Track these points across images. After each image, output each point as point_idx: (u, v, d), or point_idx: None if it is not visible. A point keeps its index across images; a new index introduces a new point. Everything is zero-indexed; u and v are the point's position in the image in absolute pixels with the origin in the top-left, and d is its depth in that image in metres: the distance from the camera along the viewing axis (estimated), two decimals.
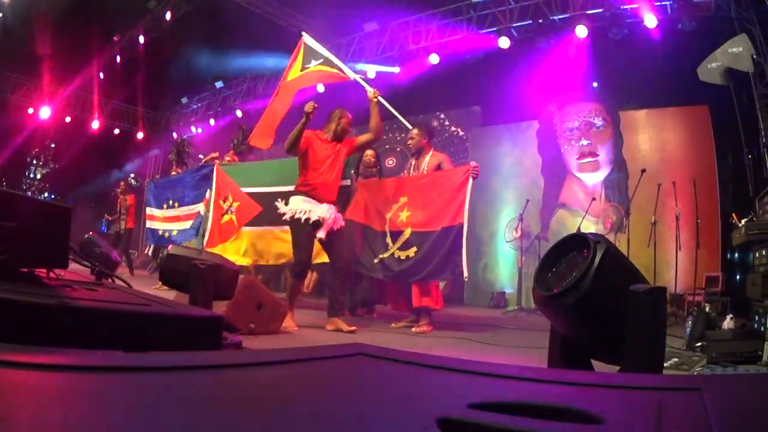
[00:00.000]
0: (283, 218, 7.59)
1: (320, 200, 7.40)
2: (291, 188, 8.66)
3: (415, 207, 8.20)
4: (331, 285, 7.70)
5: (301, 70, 8.99)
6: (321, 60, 8.95)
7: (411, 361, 1.74)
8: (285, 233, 8.77)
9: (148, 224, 13.20)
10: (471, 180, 7.77)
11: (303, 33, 9.25)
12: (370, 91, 8.07)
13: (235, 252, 9.33)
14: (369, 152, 9.75)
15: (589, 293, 2.99)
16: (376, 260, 8.36)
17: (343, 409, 1.20)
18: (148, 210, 13.30)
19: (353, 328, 6.96)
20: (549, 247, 3.60)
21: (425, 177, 8.43)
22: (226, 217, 9.98)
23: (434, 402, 1.29)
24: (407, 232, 8.14)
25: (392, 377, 1.64)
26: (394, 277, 8.36)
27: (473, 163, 7.91)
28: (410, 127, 8.93)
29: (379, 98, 8.01)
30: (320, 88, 15.24)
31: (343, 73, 8.82)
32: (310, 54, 9.01)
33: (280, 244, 9.27)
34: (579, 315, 3.13)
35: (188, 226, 11.53)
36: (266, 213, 9.28)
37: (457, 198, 7.84)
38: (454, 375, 1.60)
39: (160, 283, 10.14)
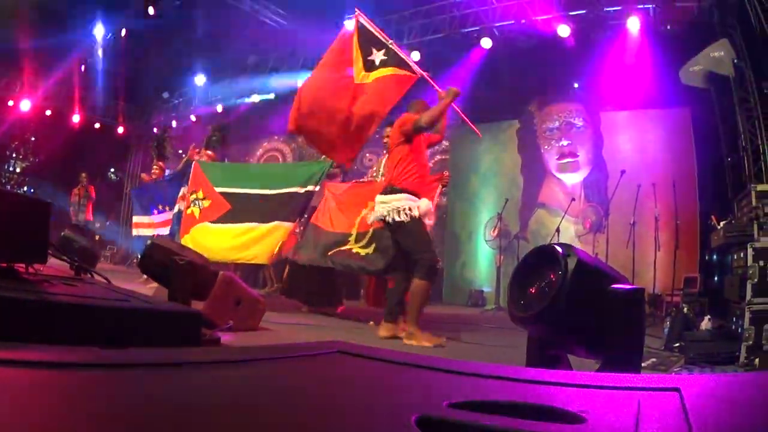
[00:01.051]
0: (395, 219, 6.76)
1: (419, 196, 6.86)
2: (271, 192, 8.75)
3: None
4: (396, 288, 7.24)
5: (366, 69, 8.12)
6: (383, 51, 8.06)
7: (390, 360, 1.75)
8: (240, 229, 9.13)
9: (135, 232, 13.09)
10: (440, 188, 7.87)
11: (357, 10, 8.37)
12: (441, 91, 7.38)
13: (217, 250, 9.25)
14: None
15: (564, 310, 3.00)
16: (331, 252, 8.44)
17: (322, 407, 1.20)
18: (135, 218, 13.23)
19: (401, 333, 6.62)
20: (529, 248, 3.61)
21: None
22: (189, 210, 9.98)
23: (413, 401, 1.29)
24: (370, 232, 8.19)
25: (371, 376, 1.64)
26: (348, 268, 8.35)
27: (446, 173, 7.95)
28: (479, 134, 8.80)
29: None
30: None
31: (412, 70, 8.04)
32: (368, 40, 8.15)
33: (235, 239, 9.33)
34: (556, 329, 3.14)
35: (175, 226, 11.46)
36: (235, 211, 9.41)
37: None
38: (434, 374, 1.61)
39: (145, 277, 10.20)
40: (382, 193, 6.96)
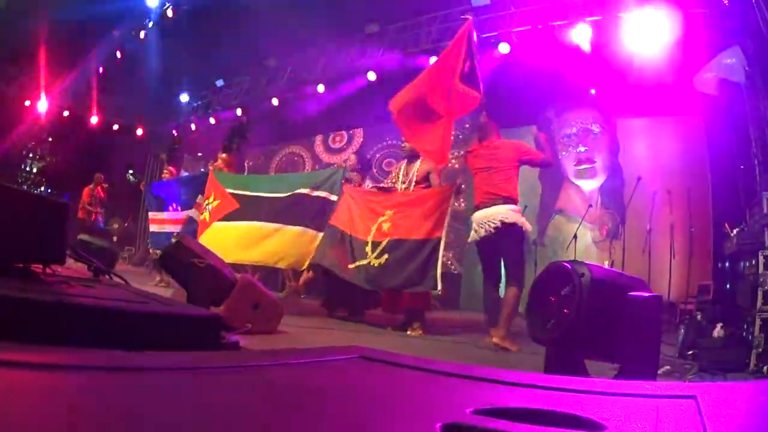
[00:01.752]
0: (516, 224, 7.49)
1: None
2: (280, 195, 8.79)
3: (397, 220, 8.27)
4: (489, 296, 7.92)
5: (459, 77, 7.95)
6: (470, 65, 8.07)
7: (412, 366, 1.74)
8: (254, 228, 9.18)
9: (153, 228, 13.12)
10: (453, 196, 7.93)
11: (468, 16, 8.56)
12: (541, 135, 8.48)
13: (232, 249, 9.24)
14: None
15: (583, 331, 3.03)
16: (351, 266, 8.38)
17: (345, 413, 1.20)
18: (151, 214, 13.25)
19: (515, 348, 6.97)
20: (546, 254, 3.61)
21: (412, 194, 8.53)
22: (202, 216, 10.08)
23: (438, 408, 1.29)
24: (385, 241, 8.19)
25: (394, 381, 1.64)
26: (367, 282, 8.39)
27: (458, 181, 8.01)
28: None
29: None
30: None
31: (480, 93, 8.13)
32: (472, 47, 8.19)
33: (268, 242, 9.28)
34: (575, 347, 3.17)
35: (179, 229, 11.48)
36: (243, 210, 9.50)
37: (437, 210, 7.91)
38: (456, 380, 1.61)
39: (158, 279, 10.19)
40: (499, 204, 7.48)
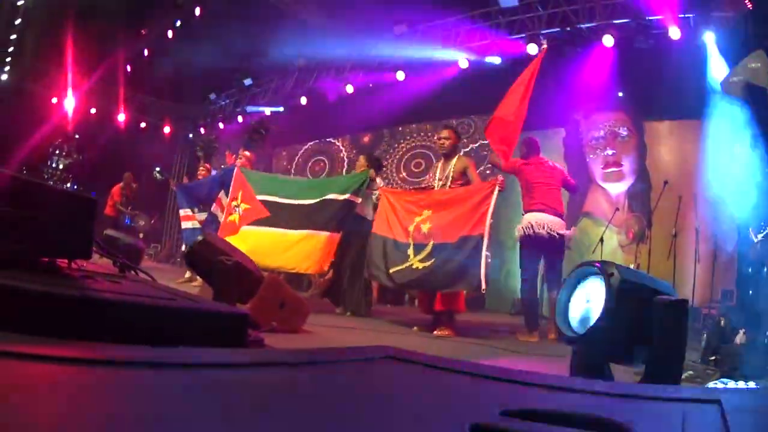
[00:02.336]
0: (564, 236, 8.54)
1: None
2: (309, 202, 8.84)
3: (437, 220, 8.18)
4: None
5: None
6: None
7: (441, 366, 1.74)
8: (285, 236, 9.24)
9: (185, 225, 13.17)
10: (496, 194, 7.78)
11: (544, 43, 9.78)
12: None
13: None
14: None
15: (610, 330, 3.03)
16: (392, 270, 8.35)
17: (374, 413, 1.21)
18: (182, 212, 13.29)
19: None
20: (572, 256, 3.62)
21: (450, 192, 8.46)
22: (230, 218, 10.11)
23: (467, 408, 1.31)
24: (430, 245, 8.09)
25: (423, 382, 1.65)
26: (404, 286, 8.41)
27: (500, 177, 7.94)
28: None
29: None
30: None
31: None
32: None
33: (281, 248, 9.41)
34: (603, 346, 3.17)
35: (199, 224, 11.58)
36: (273, 218, 9.58)
37: (479, 209, 7.82)
38: (483, 381, 1.62)
39: (186, 276, 10.24)
40: (554, 216, 8.63)
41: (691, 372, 5.48)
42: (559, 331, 3.56)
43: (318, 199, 9.36)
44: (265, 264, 8.90)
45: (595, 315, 3.13)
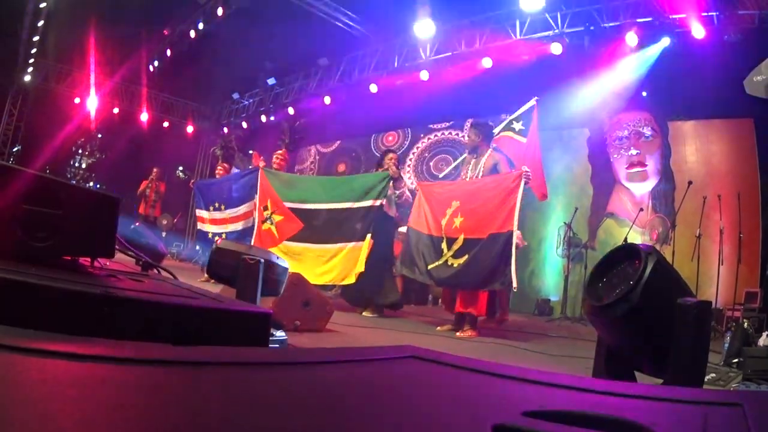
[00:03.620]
0: None
1: None
2: (338, 206, 8.91)
3: (466, 212, 8.17)
4: None
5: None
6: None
7: (463, 366, 1.74)
8: (323, 251, 9.28)
9: (199, 226, 13.25)
10: (523, 185, 7.71)
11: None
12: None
13: None
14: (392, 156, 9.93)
15: (638, 304, 3.03)
16: (431, 266, 8.35)
17: (397, 412, 1.21)
18: (198, 212, 13.37)
19: None
20: (597, 257, 3.62)
21: (477, 182, 8.46)
22: (265, 226, 10.19)
23: (489, 408, 1.31)
24: (461, 239, 8.11)
25: (445, 382, 1.65)
26: (441, 283, 8.41)
27: (525, 168, 7.89)
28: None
29: None
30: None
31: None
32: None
33: (320, 263, 9.48)
34: (627, 326, 3.16)
35: (239, 228, 11.57)
36: (307, 230, 9.70)
37: (506, 204, 7.75)
38: (507, 382, 1.61)
39: (206, 276, 10.28)
40: None
41: (713, 374, 5.45)
42: (587, 305, 3.52)
43: (345, 205, 9.46)
44: (321, 283, 9.11)
45: (624, 289, 3.14)
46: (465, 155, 9.35)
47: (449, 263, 8.14)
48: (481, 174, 8.51)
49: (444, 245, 8.27)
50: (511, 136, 9.84)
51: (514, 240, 7.60)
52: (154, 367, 1.29)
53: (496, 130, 9.70)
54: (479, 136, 8.66)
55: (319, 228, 9.62)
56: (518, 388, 1.56)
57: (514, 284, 7.47)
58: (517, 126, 9.90)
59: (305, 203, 9.92)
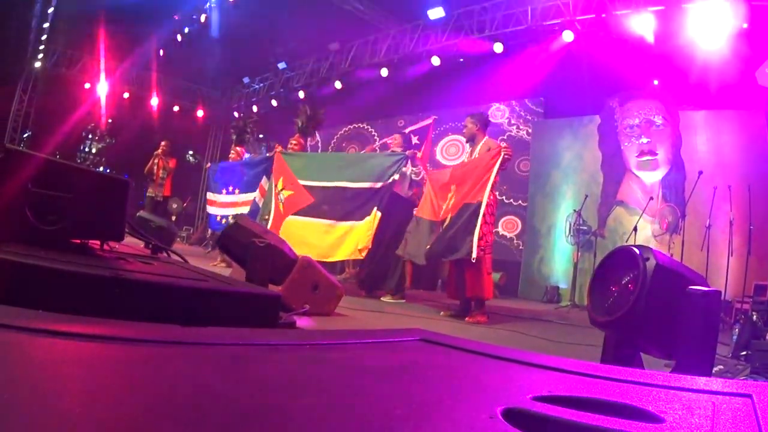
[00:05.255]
0: None
1: None
2: (352, 185, 8.92)
3: (457, 194, 8.25)
4: None
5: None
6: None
7: (472, 350, 1.76)
8: (331, 228, 9.31)
9: (208, 209, 13.27)
10: (500, 160, 7.74)
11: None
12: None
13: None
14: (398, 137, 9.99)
15: (642, 314, 3.02)
16: (428, 247, 8.38)
17: (407, 394, 1.21)
18: (209, 195, 13.38)
19: None
20: (606, 245, 3.60)
21: (467, 164, 8.56)
22: (278, 205, 10.15)
23: (498, 392, 1.31)
24: (449, 218, 8.19)
25: (455, 365, 1.65)
26: (426, 258, 8.44)
27: (504, 144, 7.98)
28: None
29: None
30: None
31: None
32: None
33: (329, 239, 9.50)
34: (634, 332, 3.16)
35: (245, 212, 11.47)
36: (318, 205, 9.64)
37: (481, 177, 7.83)
38: (516, 366, 1.62)
39: (219, 259, 10.30)
40: None
41: (721, 366, 5.43)
42: (591, 313, 3.52)
43: (362, 185, 9.45)
44: (326, 259, 9.13)
45: (628, 297, 3.13)
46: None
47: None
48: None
49: (442, 228, 8.30)
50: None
51: (482, 211, 7.59)
52: (159, 346, 1.32)
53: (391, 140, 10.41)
54: (476, 125, 8.65)
55: (330, 205, 9.62)
56: (527, 373, 1.56)
57: (474, 255, 7.41)
58: (414, 140, 10.51)
59: (319, 181, 9.91)
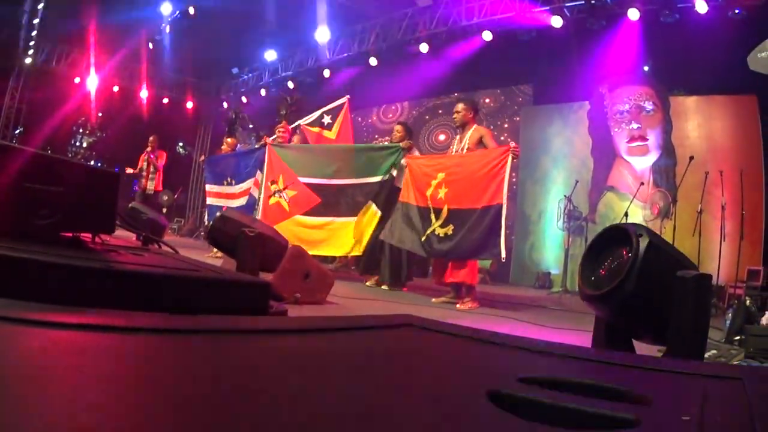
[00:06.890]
0: None
1: None
2: (355, 181, 8.96)
3: (451, 184, 8.24)
4: None
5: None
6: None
7: (459, 334, 1.76)
8: (331, 224, 9.52)
9: (209, 201, 13.27)
10: (510, 160, 7.75)
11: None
12: None
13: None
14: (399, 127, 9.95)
15: (633, 292, 3.02)
16: (423, 238, 8.38)
17: (393, 379, 1.22)
18: (208, 187, 13.39)
19: None
20: (597, 230, 3.60)
21: (463, 155, 8.49)
22: (273, 200, 10.17)
23: (484, 375, 1.31)
24: (445, 209, 8.18)
25: (441, 349, 1.66)
26: (434, 254, 8.43)
27: (513, 144, 7.93)
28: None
29: None
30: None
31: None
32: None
33: (323, 233, 9.66)
34: (624, 311, 3.15)
35: (243, 203, 11.64)
36: (325, 204, 9.69)
37: (495, 178, 7.79)
38: (502, 349, 1.62)
39: (213, 252, 10.30)
40: None
41: (714, 351, 5.44)
42: (581, 288, 3.51)
43: (356, 180, 9.56)
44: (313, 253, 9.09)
45: (619, 274, 3.13)
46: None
47: (437, 233, 8.23)
48: (466, 147, 8.50)
49: (432, 215, 8.35)
50: (319, 132, 11.10)
51: (504, 212, 7.61)
52: (149, 335, 1.30)
53: (304, 121, 11.20)
54: (470, 111, 8.64)
55: (331, 200, 9.70)
56: (515, 356, 1.57)
57: (503, 255, 7.56)
58: (326, 119, 11.04)
59: (319, 178, 9.97)
